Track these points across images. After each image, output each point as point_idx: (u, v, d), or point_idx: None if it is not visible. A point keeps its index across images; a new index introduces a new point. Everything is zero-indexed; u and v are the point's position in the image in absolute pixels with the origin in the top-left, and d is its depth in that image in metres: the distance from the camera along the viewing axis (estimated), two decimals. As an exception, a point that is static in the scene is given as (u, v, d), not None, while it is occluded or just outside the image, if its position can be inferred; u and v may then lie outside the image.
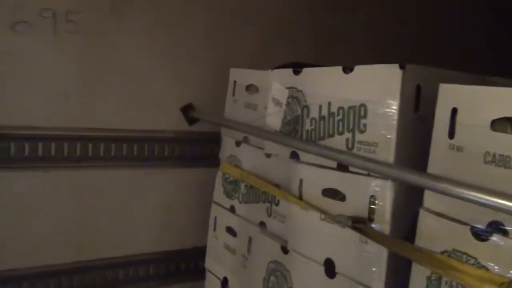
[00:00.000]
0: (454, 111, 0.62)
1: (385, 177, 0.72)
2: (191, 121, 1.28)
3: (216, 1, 1.27)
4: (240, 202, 1.09)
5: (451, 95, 0.63)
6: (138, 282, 1.27)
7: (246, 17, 1.32)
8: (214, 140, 1.26)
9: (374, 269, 0.73)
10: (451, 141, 0.62)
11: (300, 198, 0.88)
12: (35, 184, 1.11)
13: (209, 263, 1.20)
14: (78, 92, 1.13)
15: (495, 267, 0.55)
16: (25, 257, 1.11)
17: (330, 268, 0.81)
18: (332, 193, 0.81)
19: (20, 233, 1.10)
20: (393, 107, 0.71)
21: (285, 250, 0.92)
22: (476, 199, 0.56)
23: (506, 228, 0.55)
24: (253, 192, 1.05)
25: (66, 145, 1.13)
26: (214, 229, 1.18)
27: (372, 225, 0.73)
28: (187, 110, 1.27)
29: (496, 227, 0.56)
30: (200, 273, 1.27)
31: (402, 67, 0.69)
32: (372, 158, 0.72)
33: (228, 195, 1.14)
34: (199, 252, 1.27)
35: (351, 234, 0.76)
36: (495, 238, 0.56)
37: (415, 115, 0.71)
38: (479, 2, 1.70)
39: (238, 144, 1.11)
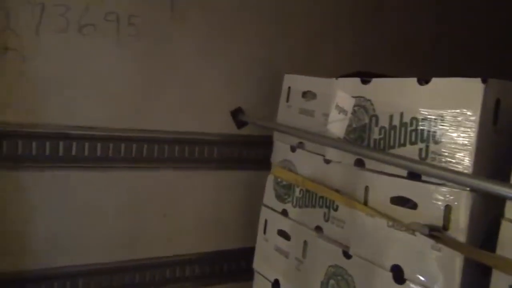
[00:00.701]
0: (543, 126, 0.64)
1: (461, 186, 0.74)
2: (240, 124, 1.31)
3: (267, 7, 1.29)
4: (294, 206, 1.11)
5: (539, 110, 0.65)
6: (184, 281, 1.30)
7: (293, 23, 1.34)
8: (262, 143, 1.29)
9: (448, 276, 0.75)
10: (539, 155, 0.64)
11: (365, 204, 0.90)
12: (91, 184, 1.13)
13: (258, 264, 1.22)
14: (136, 94, 1.15)
15: None
16: (78, 255, 1.13)
17: (398, 274, 0.83)
18: (402, 201, 0.83)
19: (75, 232, 1.12)
20: (473, 118, 0.73)
21: (347, 255, 0.94)
22: None
23: None
24: (309, 197, 1.07)
25: (123, 145, 1.16)
26: (264, 232, 1.20)
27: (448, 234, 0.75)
28: (236, 114, 1.30)
29: None
30: (244, 274, 1.30)
31: (484, 81, 0.71)
32: (452, 169, 0.74)
33: (280, 198, 1.16)
34: (244, 254, 1.30)
35: (422, 242, 0.78)
36: None
37: (494, 127, 0.73)
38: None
39: (293, 149, 1.13)
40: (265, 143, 1.26)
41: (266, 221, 1.20)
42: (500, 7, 1.67)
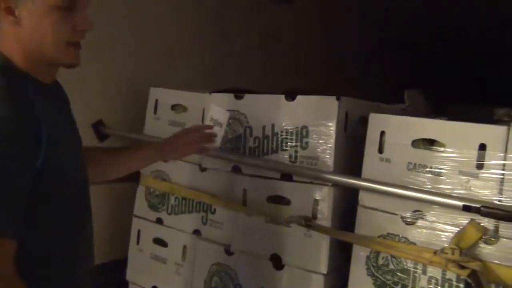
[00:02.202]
0: (382, 133, 0.85)
1: (325, 182, 0.92)
2: (102, 137, 1.29)
3: (126, 21, 1.31)
4: (169, 214, 1.17)
5: (379, 121, 0.86)
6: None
7: (150, 37, 1.39)
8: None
9: (318, 256, 0.92)
10: (381, 155, 0.85)
11: (244, 205, 1.02)
12: None
13: (132, 275, 1.23)
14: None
15: (420, 243, 0.80)
16: None
17: (277, 261, 0.97)
18: (277, 199, 0.98)
19: None
20: (331, 128, 0.91)
21: (228, 252, 1.04)
22: (403, 194, 0.80)
23: (425, 213, 0.80)
24: (185, 203, 1.14)
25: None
26: (138, 242, 1.22)
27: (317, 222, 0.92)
28: (98, 126, 1.28)
29: (418, 214, 0.81)
30: (116, 286, 1.29)
31: (338, 98, 0.91)
32: (317, 169, 0.91)
33: (154, 208, 1.20)
34: (113, 267, 1.29)
35: (296, 231, 0.94)
36: (419, 222, 0.81)
37: (345, 134, 0.93)
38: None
39: (165, 159, 1.18)
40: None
41: (139, 231, 1.22)
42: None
